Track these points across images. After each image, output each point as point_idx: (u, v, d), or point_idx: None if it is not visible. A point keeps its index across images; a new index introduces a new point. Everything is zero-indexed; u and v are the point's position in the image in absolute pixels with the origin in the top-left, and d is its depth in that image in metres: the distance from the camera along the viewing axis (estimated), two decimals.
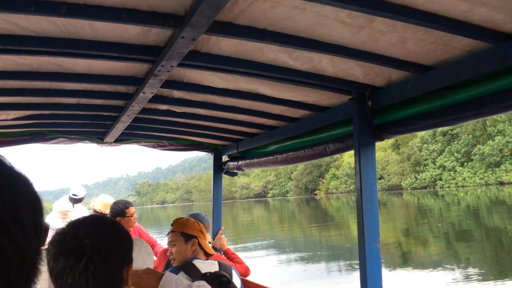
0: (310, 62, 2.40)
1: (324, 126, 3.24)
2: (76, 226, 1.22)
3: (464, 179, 64.23)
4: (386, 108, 2.66)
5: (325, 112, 3.17)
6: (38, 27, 1.95)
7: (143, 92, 2.75)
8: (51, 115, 3.55)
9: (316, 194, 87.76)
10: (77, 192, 6.62)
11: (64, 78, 2.61)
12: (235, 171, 4.85)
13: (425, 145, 72.50)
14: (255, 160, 4.36)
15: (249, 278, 3.95)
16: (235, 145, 4.62)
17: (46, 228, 0.58)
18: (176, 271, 2.55)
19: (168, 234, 2.88)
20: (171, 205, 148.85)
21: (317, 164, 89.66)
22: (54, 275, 1.18)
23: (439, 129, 68.57)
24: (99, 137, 4.38)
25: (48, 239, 3.58)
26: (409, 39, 2.02)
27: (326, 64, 2.40)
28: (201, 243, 2.77)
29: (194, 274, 2.55)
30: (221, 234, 4.45)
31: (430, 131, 70.69)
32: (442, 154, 69.86)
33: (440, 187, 66.32)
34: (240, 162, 4.62)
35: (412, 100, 2.48)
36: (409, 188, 69.50)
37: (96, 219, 1.29)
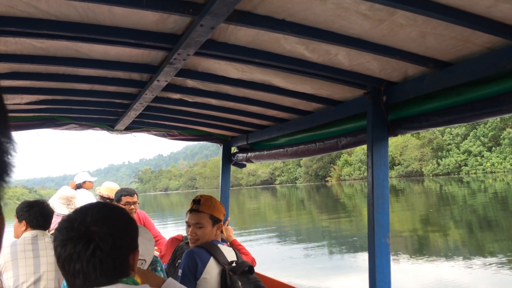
0: (326, 55, 2.39)
1: (337, 120, 3.23)
2: (83, 213, 1.23)
3: (493, 164, 61.27)
4: (401, 103, 2.64)
5: (338, 106, 3.16)
6: (57, 11, 1.95)
7: (157, 80, 2.75)
8: (63, 100, 3.56)
9: (327, 181, 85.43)
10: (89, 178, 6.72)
11: (79, 64, 2.62)
12: (244, 162, 4.85)
13: (448, 129, 68.74)
14: (265, 152, 4.35)
15: (256, 269, 3.96)
16: (244, 136, 4.61)
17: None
18: (206, 255, 2.56)
19: (191, 213, 2.77)
20: (174, 192, 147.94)
21: None
22: (62, 261, 1.19)
23: None
24: (109, 125, 4.38)
25: (53, 225, 3.57)
26: (429, 34, 2.00)
27: (342, 57, 2.39)
28: (222, 227, 2.79)
29: (222, 260, 2.57)
30: (227, 225, 4.47)
31: None
32: (466, 139, 66.61)
33: (466, 173, 63.40)
34: (249, 154, 4.62)
35: (428, 96, 2.47)
36: (431, 175, 66.56)
37: (103, 206, 1.30)
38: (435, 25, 1.91)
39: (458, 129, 67.74)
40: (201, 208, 2.74)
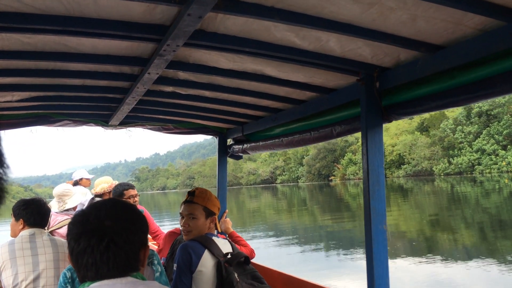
0: (317, 42, 2.36)
1: (331, 108, 3.21)
2: (97, 208, 1.26)
3: (509, 163, 59.10)
4: (394, 89, 2.62)
5: (332, 94, 3.14)
6: (42, 5, 1.92)
7: (148, 73, 2.72)
8: (55, 96, 3.53)
9: (331, 180, 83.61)
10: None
11: (69, 58, 2.59)
12: (240, 154, 4.83)
13: (459, 127, 66.84)
14: (260, 143, 4.34)
15: (254, 260, 3.97)
16: (240, 128, 4.60)
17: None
18: (200, 247, 2.54)
19: (185, 204, 2.79)
20: (172, 191, 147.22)
21: (331, 149, 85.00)
22: (75, 255, 1.21)
23: (474, 110, 62.63)
24: (104, 120, 4.35)
25: (52, 223, 3.57)
26: (420, 17, 1.98)
27: (334, 43, 2.37)
28: (216, 221, 2.78)
29: (216, 252, 2.57)
30: (225, 217, 4.46)
31: (464, 112, 64.82)
32: (479, 137, 64.20)
33: (479, 173, 61.30)
34: (245, 145, 4.61)
35: (421, 80, 2.44)
36: (442, 174, 64.37)
37: (116, 202, 1.33)
38: (426, 7, 1.88)
39: (470, 127, 65.79)
40: (195, 200, 2.74)
